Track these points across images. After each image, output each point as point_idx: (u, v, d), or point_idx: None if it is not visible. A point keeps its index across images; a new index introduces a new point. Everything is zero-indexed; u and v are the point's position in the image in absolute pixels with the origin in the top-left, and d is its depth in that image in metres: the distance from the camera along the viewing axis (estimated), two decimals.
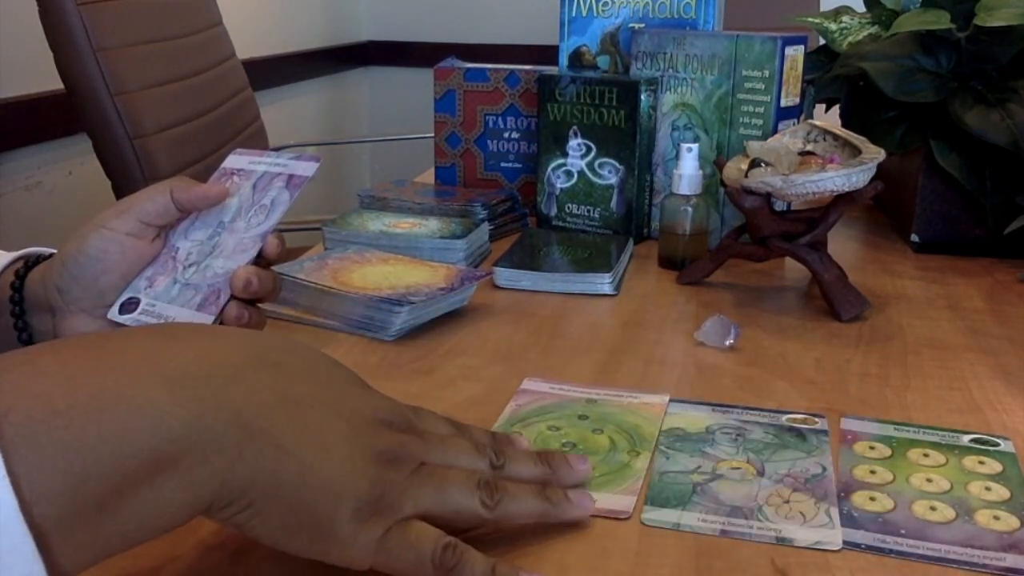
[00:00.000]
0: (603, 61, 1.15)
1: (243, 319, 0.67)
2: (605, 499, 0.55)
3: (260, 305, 0.71)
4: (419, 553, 0.44)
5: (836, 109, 1.23)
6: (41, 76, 1.69)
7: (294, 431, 0.42)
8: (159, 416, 0.38)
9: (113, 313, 0.66)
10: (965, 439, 0.64)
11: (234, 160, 0.73)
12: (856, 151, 0.87)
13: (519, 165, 1.20)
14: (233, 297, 0.66)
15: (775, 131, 0.99)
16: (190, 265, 0.69)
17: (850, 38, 1.20)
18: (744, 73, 1.01)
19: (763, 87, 0.99)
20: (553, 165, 1.10)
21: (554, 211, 1.11)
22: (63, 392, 0.37)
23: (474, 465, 0.49)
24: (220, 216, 0.70)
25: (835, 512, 0.55)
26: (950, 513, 0.55)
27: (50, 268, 0.67)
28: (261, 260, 0.69)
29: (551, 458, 0.53)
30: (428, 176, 1.29)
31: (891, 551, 0.51)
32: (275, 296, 0.70)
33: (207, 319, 0.66)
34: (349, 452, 0.44)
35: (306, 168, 0.70)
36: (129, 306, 0.67)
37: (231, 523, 0.42)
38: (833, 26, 1.22)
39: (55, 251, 0.69)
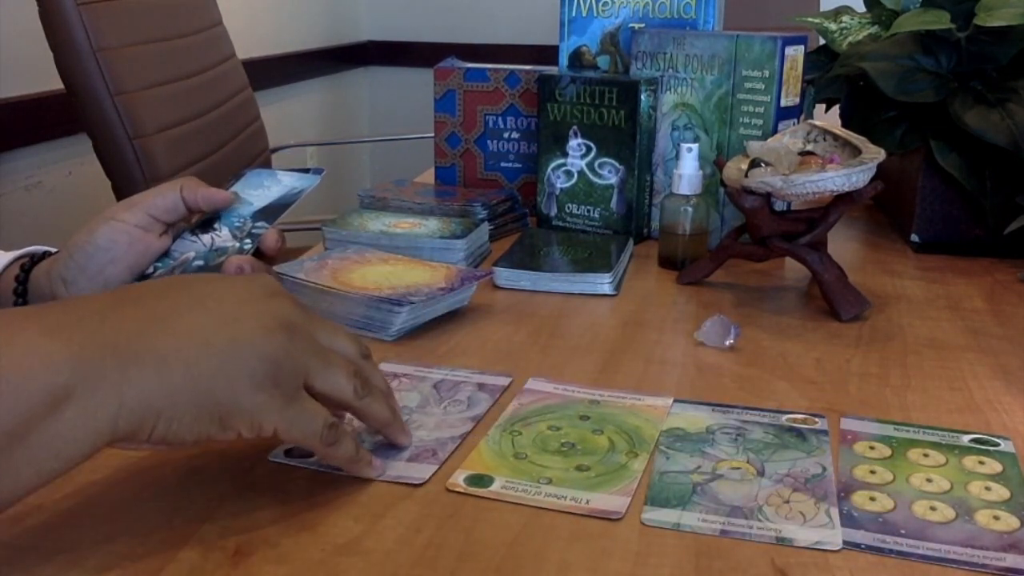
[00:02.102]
0: (603, 61, 1.15)
1: None
2: (598, 499, 0.55)
3: None
4: (313, 426, 0.51)
5: (836, 109, 1.23)
6: (41, 76, 1.69)
7: (167, 340, 0.47)
8: (47, 356, 0.44)
9: None
10: (965, 439, 0.64)
11: (252, 184, 0.75)
12: (856, 151, 0.87)
13: (519, 165, 1.20)
14: None
15: (775, 131, 0.99)
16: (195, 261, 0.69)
17: (850, 38, 1.20)
18: (744, 73, 1.01)
19: (763, 87, 0.99)
20: (553, 165, 1.10)
21: (554, 211, 1.11)
22: None
23: (342, 380, 0.54)
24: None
25: (835, 512, 0.55)
26: (950, 513, 0.55)
27: (56, 261, 0.67)
28: (261, 256, 0.69)
29: (392, 419, 0.59)
30: (428, 176, 1.29)
31: (891, 551, 0.51)
32: None
33: None
34: (231, 334, 0.49)
35: (311, 180, 0.76)
36: None
37: (157, 442, 0.47)
38: (833, 26, 1.22)
39: (58, 249, 0.70)
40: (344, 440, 0.54)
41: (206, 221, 0.72)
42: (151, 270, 0.68)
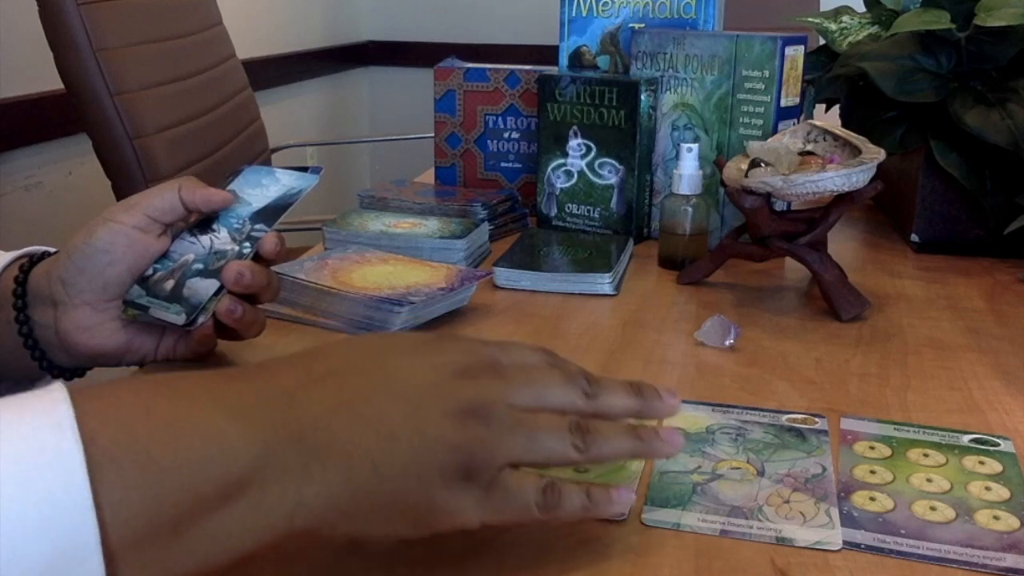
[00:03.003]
0: (603, 61, 1.15)
1: (235, 313, 0.67)
2: None
3: (261, 306, 0.71)
4: (524, 501, 0.46)
5: (836, 109, 1.23)
6: (41, 76, 1.69)
7: (353, 433, 0.43)
8: (229, 444, 0.40)
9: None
10: (965, 439, 0.64)
11: (248, 178, 0.74)
12: (856, 151, 0.87)
13: (519, 165, 1.20)
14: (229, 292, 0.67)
15: (775, 131, 0.99)
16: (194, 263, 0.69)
17: (850, 38, 1.20)
18: (744, 73, 1.01)
19: (763, 87, 0.99)
20: (553, 165, 1.10)
21: (554, 211, 1.11)
22: (142, 421, 0.39)
23: (565, 399, 0.49)
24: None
25: (835, 512, 0.55)
26: (950, 513, 0.55)
27: (55, 262, 0.67)
28: (260, 260, 0.69)
29: (642, 389, 0.52)
30: (428, 176, 1.29)
31: (891, 551, 0.51)
32: (272, 295, 0.70)
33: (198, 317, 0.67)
34: (418, 427, 0.44)
35: (310, 179, 0.74)
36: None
37: (342, 536, 0.44)
38: (833, 26, 1.22)
39: (58, 250, 0.70)
40: (567, 496, 0.47)
41: (205, 221, 0.72)
42: (150, 272, 0.68)
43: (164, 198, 0.68)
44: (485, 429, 0.45)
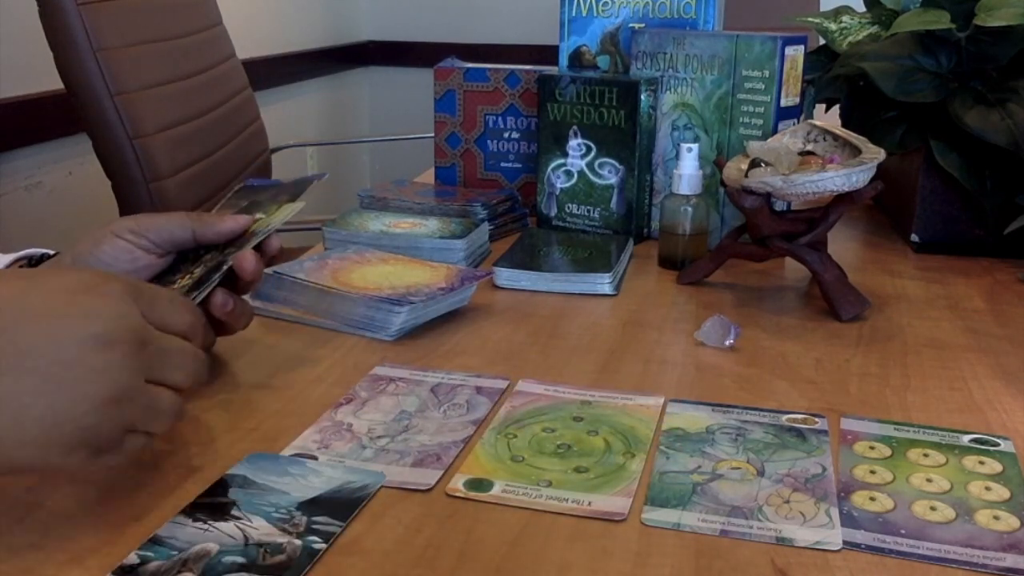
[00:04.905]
0: (603, 61, 1.15)
1: (227, 306, 0.69)
2: (601, 501, 0.55)
3: (259, 305, 0.72)
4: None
5: (836, 109, 1.23)
6: (41, 76, 1.69)
7: None
8: None
9: None
10: (965, 439, 0.64)
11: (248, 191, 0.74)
12: (856, 151, 0.87)
13: (519, 165, 1.20)
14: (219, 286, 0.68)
15: (775, 131, 0.99)
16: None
17: (850, 38, 1.20)
18: (744, 73, 1.01)
19: (763, 87, 0.99)
20: (553, 165, 1.10)
21: (554, 211, 1.11)
22: None
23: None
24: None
25: (835, 512, 0.55)
26: (950, 513, 0.55)
27: (57, 264, 0.68)
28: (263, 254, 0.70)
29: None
30: (428, 176, 1.29)
31: (891, 551, 0.51)
32: (252, 287, 0.72)
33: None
34: (51, 403, 0.46)
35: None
36: None
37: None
38: (833, 26, 1.22)
39: (57, 252, 0.70)
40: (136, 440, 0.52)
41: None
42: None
43: (174, 232, 0.69)
44: (118, 410, 0.48)
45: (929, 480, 0.58)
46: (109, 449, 0.49)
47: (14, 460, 0.46)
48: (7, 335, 0.47)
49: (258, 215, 0.74)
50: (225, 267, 0.68)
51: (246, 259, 0.69)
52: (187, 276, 0.69)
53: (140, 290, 0.52)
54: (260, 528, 0.53)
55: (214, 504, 0.56)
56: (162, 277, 0.70)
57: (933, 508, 0.55)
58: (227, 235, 0.70)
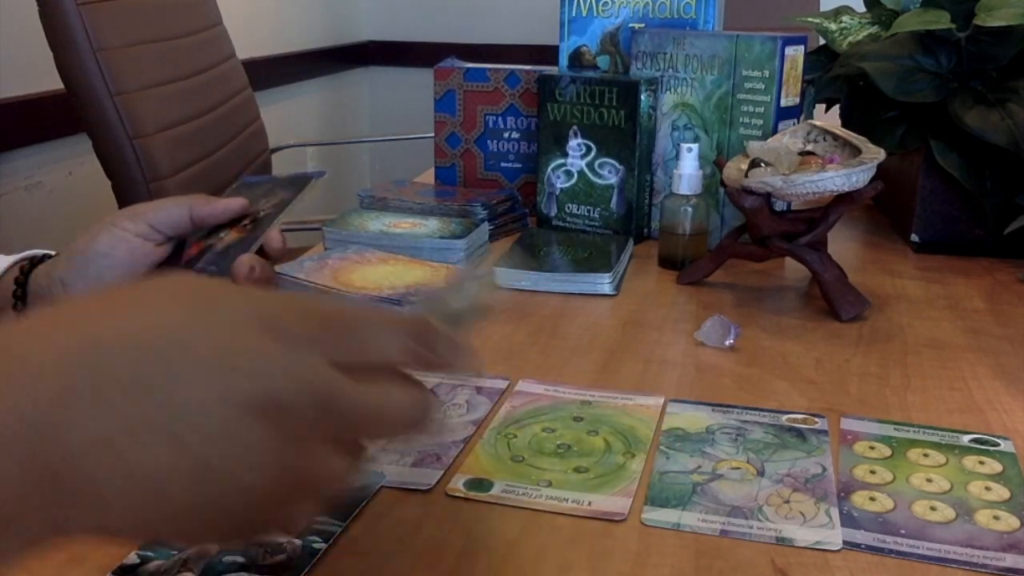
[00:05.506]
0: (603, 61, 1.15)
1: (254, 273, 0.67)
2: (601, 501, 0.55)
3: None
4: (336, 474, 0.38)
5: (836, 109, 1.23)
6: (41, 76, 1.69)
7: (113, 479, 0.34)
8: None
9: None
10: (965, 439, 0.64)
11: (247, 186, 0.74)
12: (856, 151, 0.87)
13: (519, 165, 1.20)
14: None
15: (775, 131, 0.99)
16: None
17: (850, 38, 1.20)
18: (744, 73, 1.01)
19: (763, 87, 0.99)
20: (553, 165, 1.10)
21: (554, 211, 1.11)
22: None
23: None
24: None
25: (835, 512, 0.55)
26: (950, 513, 0.55)
27: (56, 263, 0.68)
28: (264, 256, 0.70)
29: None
30: (428, 176, 1.29)
31: (891, 551, 0.51)
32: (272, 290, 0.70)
33: None
34: (200, 479, 0.35)
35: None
36: None
37: None
38: (833, 26, 1.22)
39: (58, 252, 0.70)
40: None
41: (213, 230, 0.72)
42: None
43: (171, 212, 0.68)
44: (284, 497, 0.37)
45: (929, 480, 0.58)
46: (268, 532, 0.40)
47: (161, 534, 0.37)
48: (159, 375, 0.35)
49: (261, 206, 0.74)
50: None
51: (273, 238, 0.68)
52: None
53: (328, 323, 0.39)
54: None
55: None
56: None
57: (933, 508, 0.55)
58: (223, 215, 0.70)
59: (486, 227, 1.04)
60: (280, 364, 0.36)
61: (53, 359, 0.35)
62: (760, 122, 1.00)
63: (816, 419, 0.66)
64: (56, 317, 0.38)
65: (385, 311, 0.42)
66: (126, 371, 0.36)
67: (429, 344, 0.40)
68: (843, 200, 0.87)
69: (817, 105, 1.24)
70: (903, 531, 0.53)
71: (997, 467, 0.60)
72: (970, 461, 0.61)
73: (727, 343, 0.79)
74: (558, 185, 1.10)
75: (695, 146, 0.97)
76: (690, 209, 0.97)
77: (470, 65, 1.20)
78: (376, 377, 0.39)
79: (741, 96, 1.01)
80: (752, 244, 0.91)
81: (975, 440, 0.63)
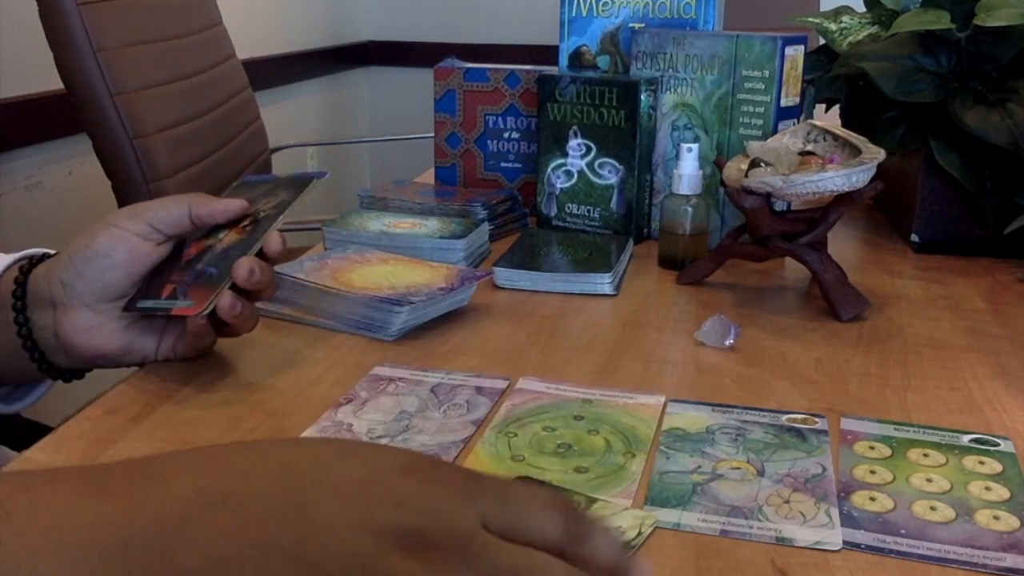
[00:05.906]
0: (603, 61, 1.15)
1: (235, 309, 0.67)
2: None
3: (258, 304, 0.71)
4: None
5: (836, 109, 1.23)
6: (41, 76, 1.69)
7: None
8: None
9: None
10: (965, 439, 0.64)
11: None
12: (856, 151, 0.87)
13: (519, 165, 1.20)
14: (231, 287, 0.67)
15: (775, 131, 0.99)
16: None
17: (850, 38, 1.20)
18: (744, 73, 1.01)
19: (763, 87, 0.99)
20: (553, 165, 1.10)
21: (554, 211, 1.11)
22: None
23: None
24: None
25: (835, 512, 0.55)
26: (950, 513, 0.55)
27: (56, 263, 0.67)
28: (264, 258, 0.70)
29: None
30: (428, 176, 1.29)
31: (891, 551, 0.51)
32: (271, 293, 0.70)
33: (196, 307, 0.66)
34: None
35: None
36: (132, 303, 0.68)
37: None
38: (833, 26, 1.22)
39: (57, 252, 0.70)
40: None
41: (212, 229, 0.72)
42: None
43: (171, 211, 0.68)
44: None
45: (929, 480, 0.58)
46: None
47: None
48: (291, 494, 0.34)
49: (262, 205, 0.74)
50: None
51: (273, 240, 0.69)
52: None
53: (483, 484, 0.36)
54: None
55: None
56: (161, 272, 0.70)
57: (933, 508, 0.55)
58: (222, 217, 0.70)
59: (486, 227, 1.04)
60: (429, 501, 0.34)
61: (176, 464, 0.36)
62: (760, 122, 1.00)
63: (816, 419, 0.66)
64: (198, 450, 0.38)
65: (540, 490, 0.38)
66: (260, 478, 0.35)
67: (583, 536, 0.36)
68: (843, 200, 0.87)
69: (817, 105, 1.24)
70: (903, 531, 0.53)
71: (997, 467, 0.60)
72: (970, 461, 0.61)
73: (727, 343, 0.79)
74: (558, 185, 1.10)
75: (695, 146, 0.97)
76: (690, 209, 0.97)
77: (470, 65, 1.20)
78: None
79: (741, 96, 1.01)
80: (752, 244, 0.91)
81: (975, 440, 0.63)
